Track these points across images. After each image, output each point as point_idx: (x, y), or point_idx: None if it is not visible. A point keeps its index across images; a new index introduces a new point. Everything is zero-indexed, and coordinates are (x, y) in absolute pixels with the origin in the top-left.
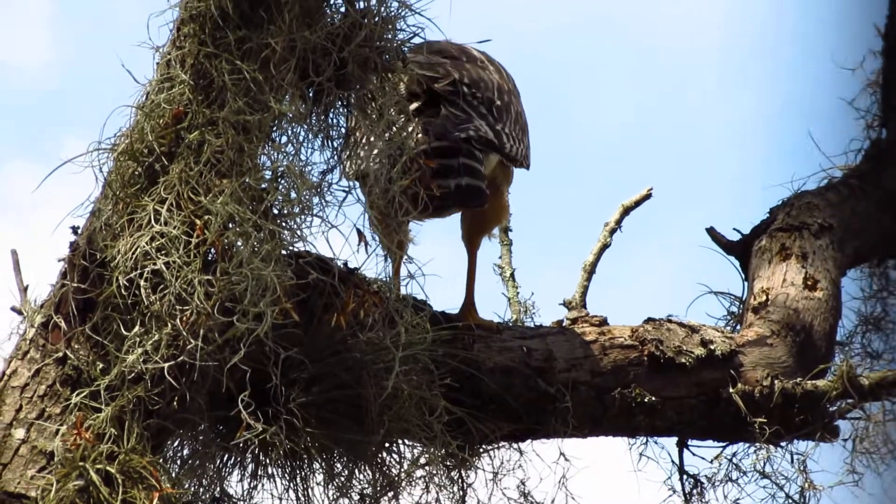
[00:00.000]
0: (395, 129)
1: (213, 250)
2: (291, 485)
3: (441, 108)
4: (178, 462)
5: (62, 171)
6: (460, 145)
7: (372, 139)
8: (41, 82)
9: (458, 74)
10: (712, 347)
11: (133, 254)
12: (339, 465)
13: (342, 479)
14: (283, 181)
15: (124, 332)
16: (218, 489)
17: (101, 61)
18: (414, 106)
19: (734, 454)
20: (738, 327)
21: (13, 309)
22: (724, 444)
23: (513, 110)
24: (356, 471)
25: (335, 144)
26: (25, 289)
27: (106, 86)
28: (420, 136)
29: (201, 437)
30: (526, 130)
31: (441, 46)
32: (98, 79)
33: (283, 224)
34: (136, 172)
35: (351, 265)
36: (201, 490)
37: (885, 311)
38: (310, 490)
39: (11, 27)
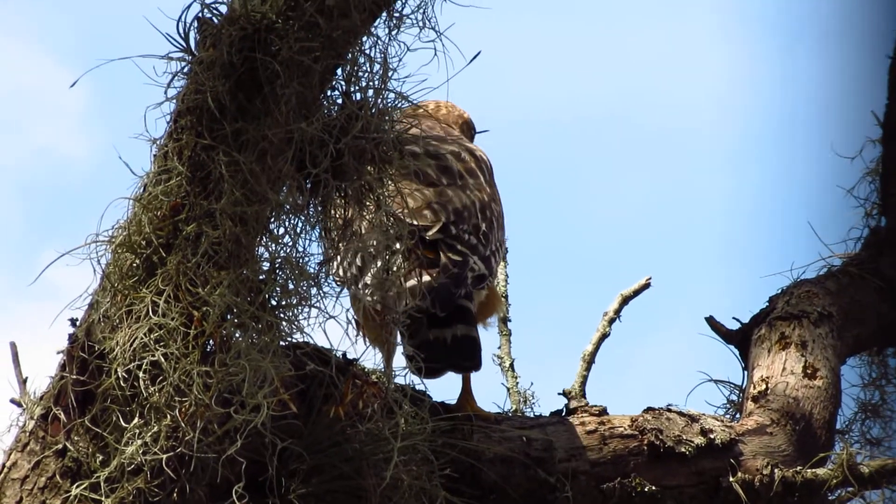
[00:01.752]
0: (392, 219)
1: (211, 341)
2: None
3: (440, 253)
4: None
5: (59, 264)
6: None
7: (369, 230)
8: (79, 171)
9: (446, 215)
10: (712, 436)
11: (131, 345)
12: None
13: None
14: (280, 272)
15: (123, 424)
16: None
17: (127, 154)
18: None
19: None
20: (738, 416)
21: (13, 401)
22: None
23: (494, 220)
24: None
25: (332, 235)
26: (25, 381)
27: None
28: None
29: None
30: (503, 225)
31: (420, 168)
32: (123, 169)
33: (281, 315)
34: (134, 264)
35: (349, 356)
36: None
37: (882, 399)
38: None
39: (49, 119)
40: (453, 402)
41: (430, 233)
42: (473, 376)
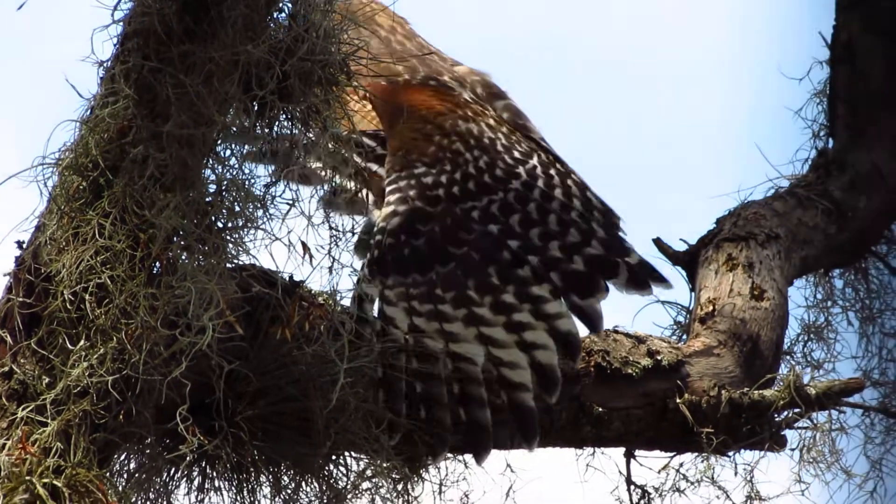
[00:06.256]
0: (339, 142)
1: (157, 264)
2: (238, 498)
3: None
4: (125, 475)
5: (7, 186)
6: None
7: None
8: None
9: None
10: (659, 358)
11: (78, 268)
12: (285, 478)
13: (289, 491)
14: (227, 194)
15: (70, 347)
16: (165, 502)
17: None
18: None
19: (681, 464)
20: (685, 337)
21: None
22: (671, 454)
23: None
24: (303, 483)
25: (280, 157)
26: None
27: None
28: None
29: (148, 451)
30: None
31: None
32: None
33: (227, 237)
34: (81, 187)
35: (296, 278)
36: (148, 503)
37: (827, 322)
38: (257, 503)
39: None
40: None
41: None
42: None
